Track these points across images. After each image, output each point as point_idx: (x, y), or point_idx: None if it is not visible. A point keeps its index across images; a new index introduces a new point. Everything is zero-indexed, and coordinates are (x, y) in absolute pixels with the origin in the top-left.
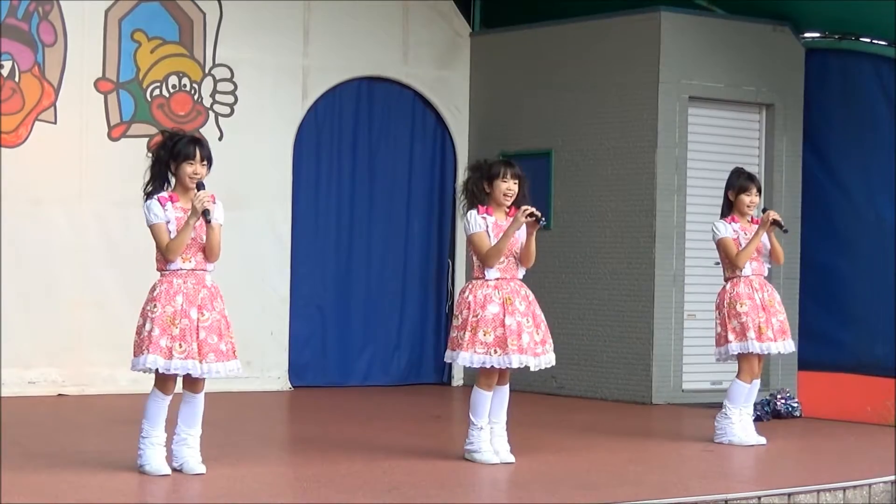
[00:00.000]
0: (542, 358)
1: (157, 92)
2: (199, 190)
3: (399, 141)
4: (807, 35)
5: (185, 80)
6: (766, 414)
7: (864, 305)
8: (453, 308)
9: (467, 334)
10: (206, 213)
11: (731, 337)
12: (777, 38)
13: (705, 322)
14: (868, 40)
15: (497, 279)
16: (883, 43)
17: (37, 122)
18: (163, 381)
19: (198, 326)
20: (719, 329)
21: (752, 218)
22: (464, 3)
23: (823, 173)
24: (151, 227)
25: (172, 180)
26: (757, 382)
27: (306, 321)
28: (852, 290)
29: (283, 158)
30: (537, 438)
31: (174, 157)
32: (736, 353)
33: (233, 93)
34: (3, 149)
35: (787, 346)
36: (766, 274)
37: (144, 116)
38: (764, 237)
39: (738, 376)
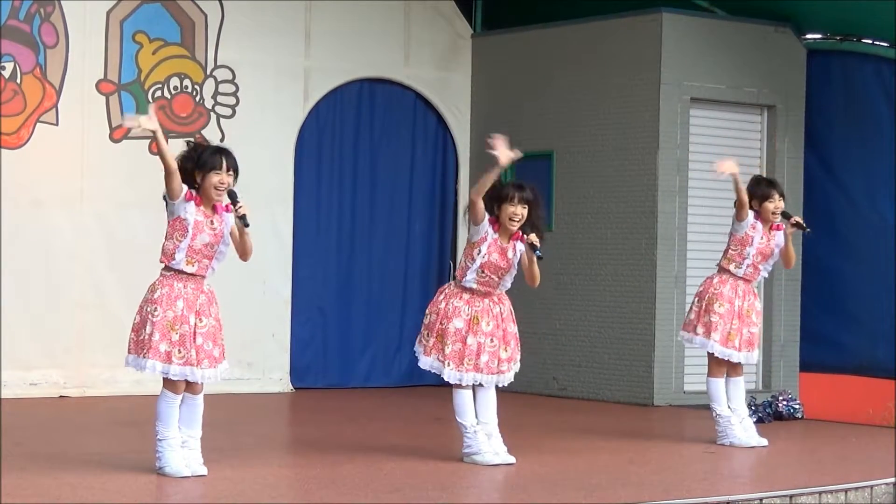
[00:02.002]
0: (502, 376)
1: (158, 93)
2: (231, 198)
3: (400, 142)
4: (808, 36)
5: (187, 82)
6: (768, 415)
7: (865, 307)
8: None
9: (432, 339)
10: (244, 218)
11: (699, 330)
12: (778, 40)
13: None
14: (869, 41)
15: (473, 290)
16: (884, 44)
17: (38, 124)
18: (172, 381)
19: (195, 332)
20: (692, 316)
21: (772, 224)
22: (465, 4)
23: (825, 175)
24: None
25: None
26: (739, 380)
27: (308, 323)
28: (854, 291)
29: (285, 160)
30: (538, 440)
31: (200, 167)
32: (697, 346)
33: (234, 94)
34: (4, 150)
35: (750, 357)
36: (757, 280)
37: None
38: (778, 242)
39: (708, 374)
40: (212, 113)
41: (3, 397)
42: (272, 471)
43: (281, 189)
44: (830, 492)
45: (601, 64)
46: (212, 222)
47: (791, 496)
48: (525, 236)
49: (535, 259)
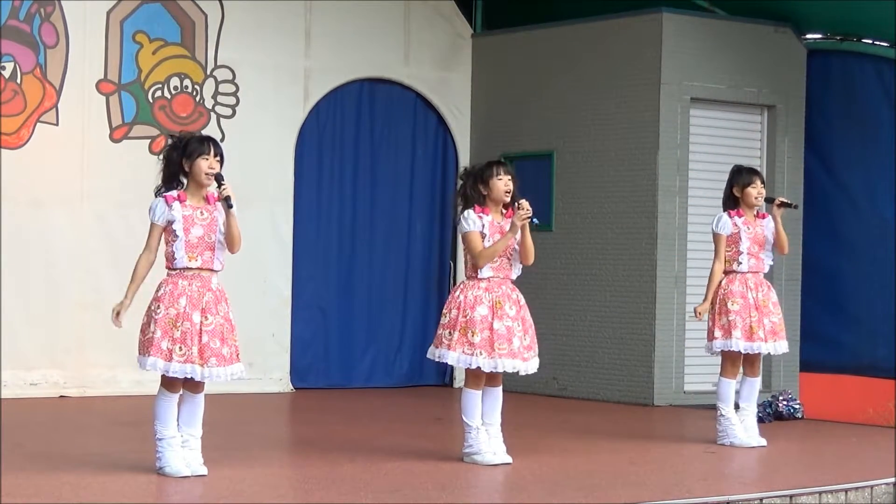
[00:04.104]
0: (529, 363)
1: (158, 93)
2: (218, 181)
3: (400, 142)
4: (808, 36)
5: (187, 82)
6: (768, 415)
7: (865, 307)
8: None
9: (456, 334)
10: (227, 199)
11: (717, 333)
12: (779, 40)
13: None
14: (870, 41)
15: (490, 278)
16: (884, 44)
17: (38, 124)
18: (169, 380)
19: (201, 330)
20: (710, 324)
21: (757, 212)
22: (465, 4)
23: (825, 174)
24: (151, 225)
25: (184, 181)
26: (755, 381)
27: (308, 323)
28: (854, 291)
29: (285, 160)
30: (538, 440)
31: (188, 155)
32: (719, 349)
33: (234, 94)
34: (4, 150)
35: (779, 347)
36: (766, 270)
37: (146, 118)
38: (770, 227)
39: (721, 374)
40: (212, 113)
41: (3, 397)
42: (272, 471)
43: (281, 189)
44: (830, 492)
45: (601, 64)
46: (201, 213)
47: (791, 496)
48: (517, 204)
49: (528, 228)
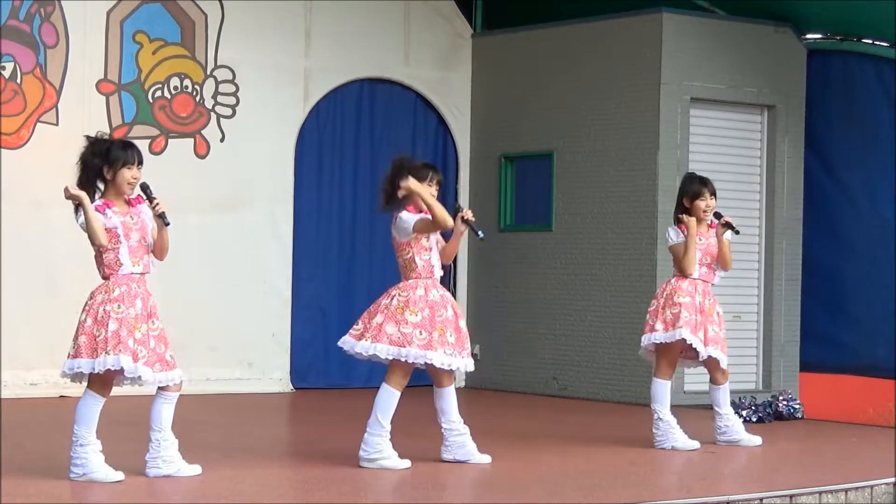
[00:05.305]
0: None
1: (158, 93)
2: (144, 191)
3: (401, 142)
4: (808, 36)
5: (187, 82)
6: (768, 415)
7: (865, 307)
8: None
9: (436, 334)
10: (163, 216)
11: (658, 326)
12: (779, 40)
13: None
14: (870, 41)
15: (433, 279)
16: (884, 44)
17: (38, 124)
18: (101, 383)
19: (148, 335)
20: (648, 318)
21: (711, 223)
22: (465, 4)
23: (825, 175)
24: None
25: (101, 187)
26: (722, 388)
27: (308, 323)
28: (854, 291)
29: (285, 160)
30: (538, 440)
31: (110, 163)
32: (659, 341)
33: (234, 94)
34: (4, 150)
35: (718, 353)
36: (715, 282)
37: (146, 118)
38: (713, 242)
39: (655, 374)
40: (212, 113)
41: (3, 397)
42: (272, 471)
43: (281, 189)
44: (830, 492)
45: (601, 64)
46: (131, 217)
47: (791, 496)
48: (465, 214)
49: (459, 236)
